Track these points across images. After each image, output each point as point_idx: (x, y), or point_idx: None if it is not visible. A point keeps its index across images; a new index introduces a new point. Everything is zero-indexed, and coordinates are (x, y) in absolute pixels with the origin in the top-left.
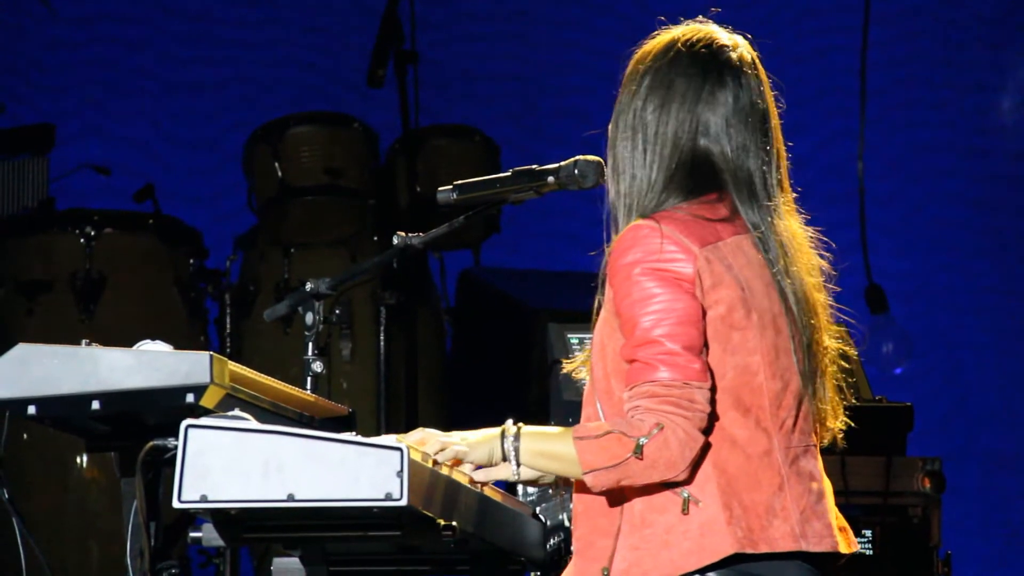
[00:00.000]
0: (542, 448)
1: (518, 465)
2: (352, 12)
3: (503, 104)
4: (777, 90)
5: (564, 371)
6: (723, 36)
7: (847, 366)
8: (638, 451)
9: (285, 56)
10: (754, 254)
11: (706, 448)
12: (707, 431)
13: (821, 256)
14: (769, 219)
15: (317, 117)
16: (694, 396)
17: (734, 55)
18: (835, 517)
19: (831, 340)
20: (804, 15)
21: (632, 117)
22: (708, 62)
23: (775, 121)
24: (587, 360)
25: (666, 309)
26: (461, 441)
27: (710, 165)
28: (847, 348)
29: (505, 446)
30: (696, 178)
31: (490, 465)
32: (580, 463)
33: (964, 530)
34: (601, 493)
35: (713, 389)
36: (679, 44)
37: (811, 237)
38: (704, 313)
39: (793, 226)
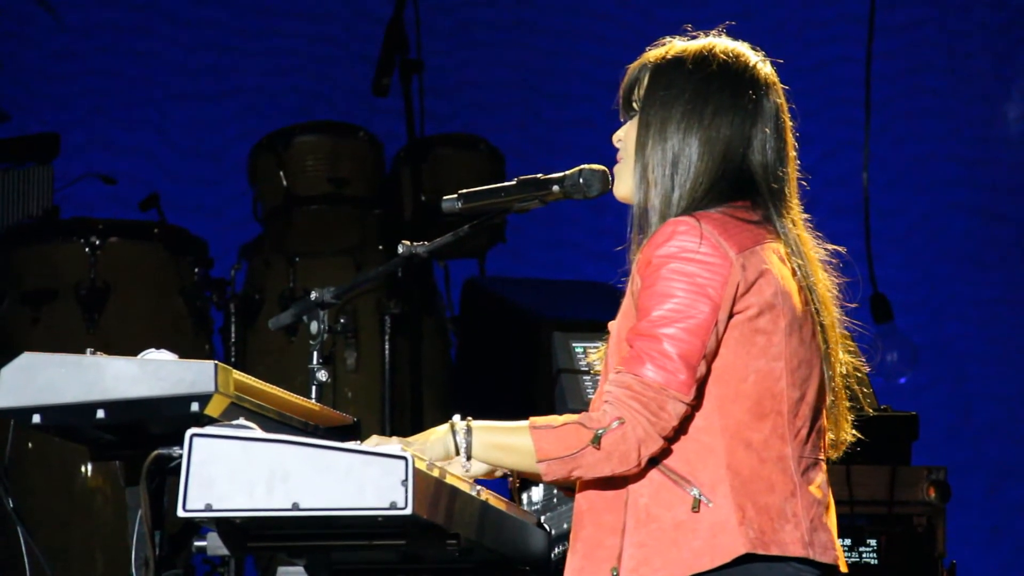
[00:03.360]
0: (495, 440)
1: (468, 458)
2: (357, 21)
3: (508, 113)
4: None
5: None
6: (749, 50)
7: (860, 375)
8: (596, 442)
9: (290, 65)
10: (786, 262)
11: (720, 449)
12: (723, 432)
13: (828, 269)
14: (796, 232)
15: (322, 127)
16: (665, 405)
17: (769, 70)
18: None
19: (845, 354)
20: (809, 26)
21: (680, 118)
22: (752, 75)
23: (789, 135)
24: (604, 353)
25: (680, 312)
26: (415, 442)
27: (750, 175)
28: (859, 363)
29: (457, 440)
30: (738, 186)
31: (446, 461)
32: (535, 452)
33: (969, 540)
34: (564, 486)
35: (692, 404)
36: (719, 55)
37: (821, 255)
38: (731, 316)
39: (808, 240)
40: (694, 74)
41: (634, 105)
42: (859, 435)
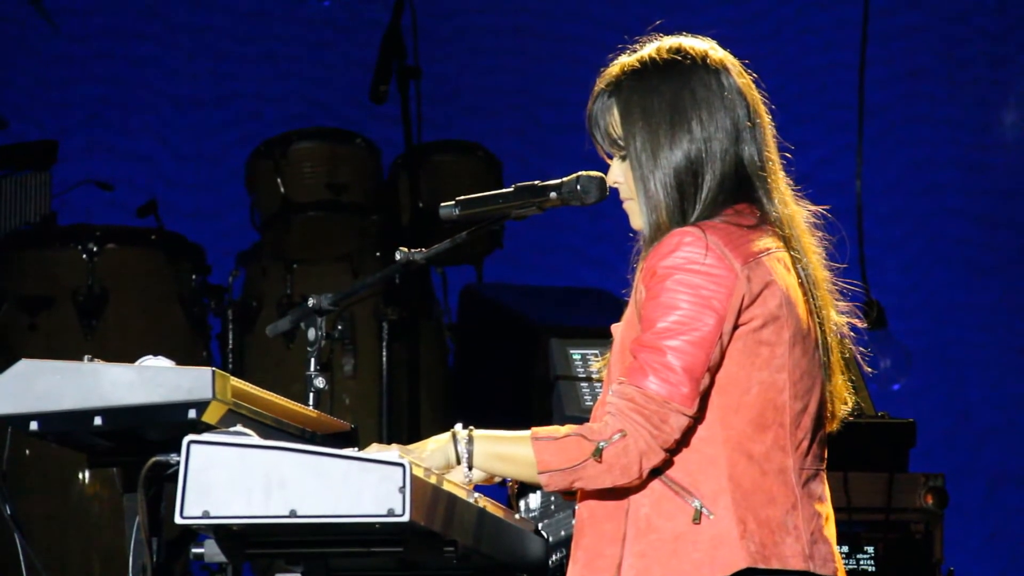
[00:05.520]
0: (496, 451)
1: (470, 468)
2: (355, 27)
3: (506, 119)
4: (778, 107)
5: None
6: (694, 41)
7: (852, 335)
8: (597, 454)
9: (288, 71)
10: (791, 269)
11: (721, 461)
12: (725, 444)
13: (815, 233)
14: (789, 212)
15: (320, 133)
16: (668, 418)
17: (722, 53)
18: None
19: (837, 315)
20: (805, 32)
21: (668, 143)
22: (711, 66)
23: (761, 107)
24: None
25: (685, 324)
26: (415, 450)
27: (744, 169)
28: (855, 321)
29: (458, 449)
30: (736, 185)
31: (447, 470)
32: (537, 463)
33: (967, 547)
34: (564, 493)
35: (695, 417)
36: (675, 60)
37: (811, 219)
38: (735, 327)
39: (794, 209)
40: (663, 90)
41: (619, 143)
42: (857, 399)
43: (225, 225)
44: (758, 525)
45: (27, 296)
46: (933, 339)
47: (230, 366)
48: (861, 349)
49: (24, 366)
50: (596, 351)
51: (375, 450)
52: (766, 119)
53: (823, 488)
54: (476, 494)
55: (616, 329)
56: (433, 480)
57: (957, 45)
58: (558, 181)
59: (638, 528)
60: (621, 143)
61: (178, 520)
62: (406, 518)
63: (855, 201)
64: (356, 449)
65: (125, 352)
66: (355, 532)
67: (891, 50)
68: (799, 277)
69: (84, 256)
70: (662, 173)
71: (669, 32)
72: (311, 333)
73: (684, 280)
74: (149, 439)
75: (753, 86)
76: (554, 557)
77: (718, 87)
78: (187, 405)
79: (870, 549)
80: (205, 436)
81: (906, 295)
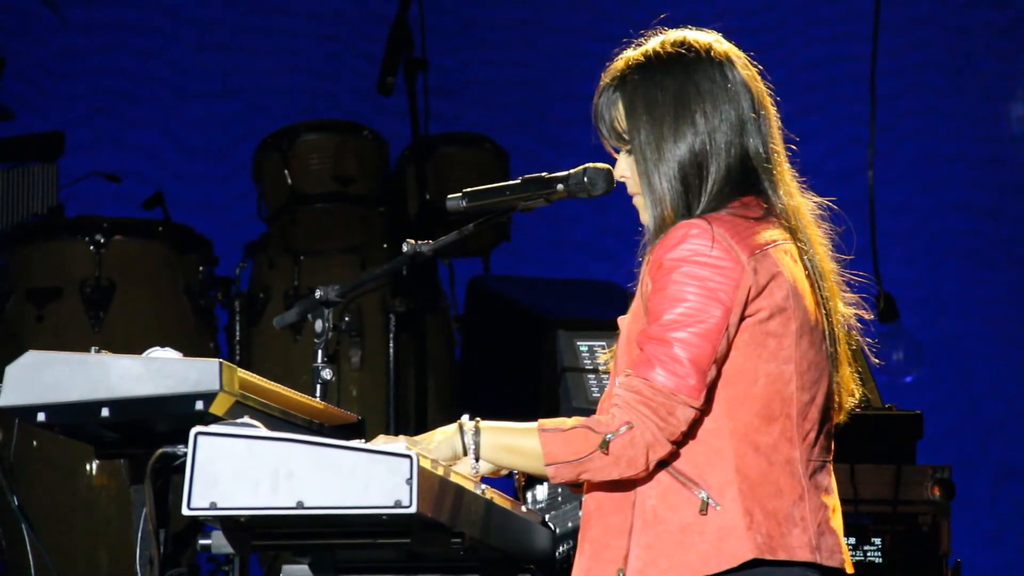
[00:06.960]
0: (503, 442)
1: (477, 459)
2: (362, 20)
3: (513, 111)
4: (785, 99)
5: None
6: (700, 34)
7: (859, 326)
8: (604, 446)
9: (295, 64)
10: (798, 261)
11: (728, 452)
12: (732, 435)
13: (821, 224)
14: (794, 204)
15: (327, 125)
16: (675, 410)
17: (727, 46)
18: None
19: (844, 306)
20: (813, 23)
21: (672, 135)
22: (716, 59)
23: (767, 99)
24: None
25: (692, 316)
26: (422, 442)
27: (749, 163)
28: (862, 312)
29: (465, 441)
30: (742, 178)
31: (454, 462)
32: (544, 455)
33: (974, 539)
34: (573, 486)
35: (702, 409)
36: (680, 54)
37: (816, 211)
38: (742, 319)
39: (800, 200)
40: (666, 84)
41: (624, 137)
42: (864, 391)
43: (232, 217)
44: (765, 516)
45: (34, 288)
46: (940, 332)
47: (237, 358)
48: (868, 340)
49: (31, 357)
50: (603, 343)
51: (382, 442)
52: (771, 110)
53: (830, 479)
54: (483, 485)
55: (623, 321)
56: (440, 472)
57: (964, 38)
58: (565, 173)
59: (645, 520)
60: (626, 137)
61: (185, 511)
62: (413, 509)
63: (864, 193)
64: (363, 441)
65: (132, 344)
66: (362, 523)
67: (898, 42)
68: (806, 268)
69: (91, 248)
70: (667, 166)
71: (675, 24)
72: (318, 325)
73: (690, 272)
74: (156, 430)
75: (758, 78)
76: (561, 548)
77: (722, 79)
78: (194, 396)
79: (877, 541)
80: (212, 427)
81: (913, 288)
